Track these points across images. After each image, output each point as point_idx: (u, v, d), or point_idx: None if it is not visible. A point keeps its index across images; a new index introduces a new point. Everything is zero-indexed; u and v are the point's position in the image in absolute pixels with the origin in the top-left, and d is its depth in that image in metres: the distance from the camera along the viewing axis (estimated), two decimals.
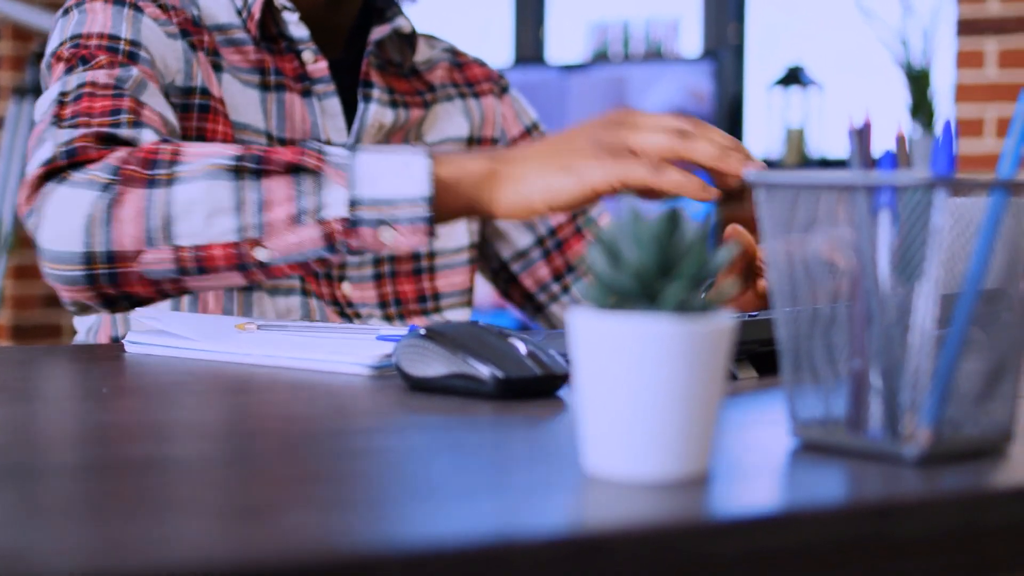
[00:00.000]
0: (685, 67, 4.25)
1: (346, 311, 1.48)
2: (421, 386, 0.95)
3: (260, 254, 1.17)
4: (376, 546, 0.54)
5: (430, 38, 1.65)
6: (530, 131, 1.67)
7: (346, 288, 1.50)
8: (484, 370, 0.92)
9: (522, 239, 1.65)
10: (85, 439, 0.77)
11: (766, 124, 4.34)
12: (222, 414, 0.88)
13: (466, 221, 1.59)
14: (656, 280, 0.66)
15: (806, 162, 4.20)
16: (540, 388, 0.94)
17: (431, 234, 1.18)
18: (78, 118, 1.29)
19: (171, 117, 1.35)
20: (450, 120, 1.60)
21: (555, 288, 1.66)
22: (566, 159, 1.15)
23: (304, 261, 1.18)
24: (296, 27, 1.47)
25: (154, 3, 1.42)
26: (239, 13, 1.47)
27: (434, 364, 0.94)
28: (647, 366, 0.65)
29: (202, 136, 1.40)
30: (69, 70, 1.35)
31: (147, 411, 0.87)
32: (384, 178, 1.17)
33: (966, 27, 3.86)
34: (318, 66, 1.48)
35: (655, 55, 4.48)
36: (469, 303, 1.62)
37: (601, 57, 4.57)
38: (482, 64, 1.68)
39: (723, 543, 0.60)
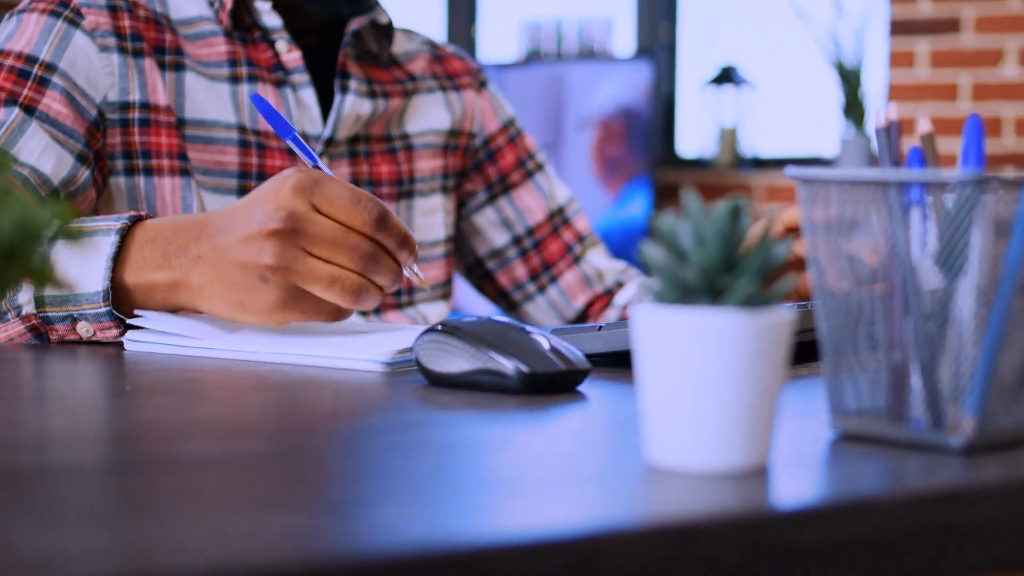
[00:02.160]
0: (619, 66, 4.28)
1: None
2: (442, 382, 0.96)
3: None
4: (484, 539, 0.55)
5: (408, 31, 1.66)
6: (507, 127, 1.68)
7: None
8: (509, 365, 0.93)
9: (499, 237, 1.66)
10: (134, 437, 0.76)
11: (699, 123, 4.38)
12: (258, 411, 0.88)
13: (442, 214, 1.60)
14: (721, 275, 0.68)
15: (739, 161, 4.24)
16: (563, 383, 0.95)
17: (122, 326, 1.16)
18: None
19: (47, 166, 1.34)
20: (431, 112, 1.61)
21: (531, 288, 1.66)
22: (242, 295, 1.10)
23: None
24: (269, 16, 1.47)
25: (103, 6, 1.41)
26: (211, 4, 1.46)
27: (457, 360, 0.95)
28: (715, 360, 0.66)
29: (147, 149, 1.40)
30: None
31: (181, 408, 0.86)
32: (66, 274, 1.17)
33: (898, 27, 3.92)
34: (292, 56, 1.48)
35: (588, 54, 4.51)
36: (445, 296, 1.63)
37: (534, 56, 4.59)
38: (461, 57, 1.69)
39: (805, 532, 0.61)
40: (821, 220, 0.79)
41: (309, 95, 1.48)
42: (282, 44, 1.48)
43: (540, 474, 0.69)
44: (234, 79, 1.45)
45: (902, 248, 0.77)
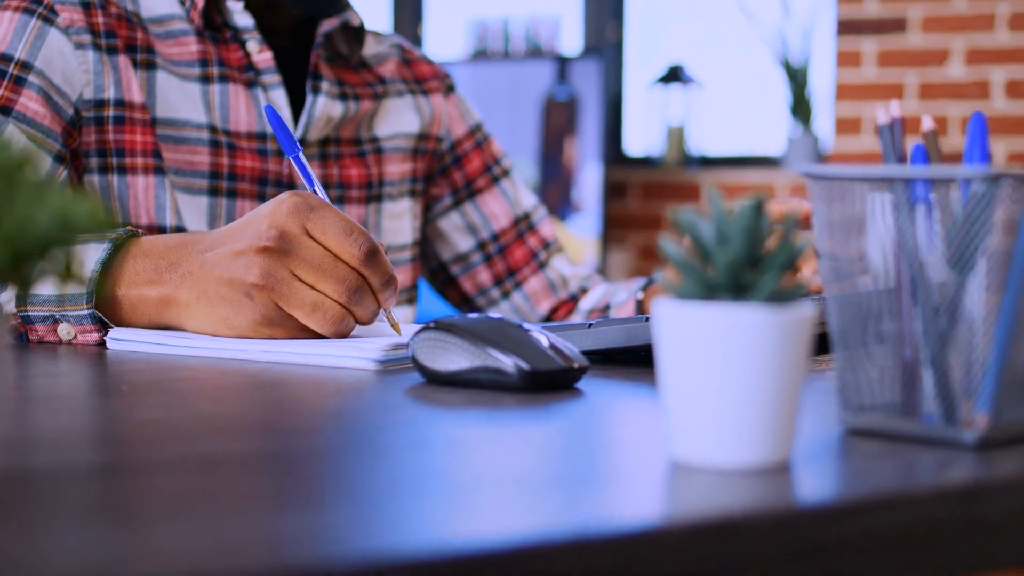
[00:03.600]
0: (566, 65, 4.28)
1: None
2: (440, 380, 0.95)
3: None
4: (521, 539, 0.54)
5: (378, 34, 1.65)
6: (474, 132, 1.68)
7: None
8: (508, 362, 0.93)
9: (463, 242, 1.66)
10: (138, 437, 0.75)
11: (647, 122, 4.39)
12: (262, 411, 0.87)
13: (410, 218, 1.59)
14: (745, 271, 0.68)
15: (686, 159, 4.25)
16: (563, 380, 0.94)
17: (104, 331, 1.15)
18: None
19: None
20: (401, 115, 1.60)
21: (495, 293, 1.66)
22: (227, 311, 1.09)
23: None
24: (241, 16, 1.46)
25: (76, 3, 1.39)
26: (181, 3, 1.45)
27: (455, 357, 0.94)
28: (741, 356, 0.66)
29: (121, 147, 1.38)
30: None
31: (181, 408, 0.85)
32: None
33: (845, 27, 3.95)
34: (263, 56, 1.47)
35: (536, 52, 4.50)
36: (411, 301, 1.62)
37: (481, 54, 4.58)
38: (429, 62, 1.68)
39: (839, 527, 0.61)
40: (832, 216, 0.79)
41: (280, 96, 1.47)
42: (253, 44, 1.46)
43: (565, 472, 0.69)
44: (205, 79, 1.43)
45: (910, 244, 0.77)
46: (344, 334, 1.10)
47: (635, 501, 0.63)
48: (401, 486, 0.63)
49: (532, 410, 0.87)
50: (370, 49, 1.61)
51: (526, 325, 0.98)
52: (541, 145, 4.22)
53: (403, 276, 1.60)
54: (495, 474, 0.67)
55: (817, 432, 0.79)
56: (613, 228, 4.22)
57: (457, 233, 1.66)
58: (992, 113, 3.79)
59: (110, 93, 1.38)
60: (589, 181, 4.11)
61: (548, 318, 1.66)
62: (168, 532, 0.53)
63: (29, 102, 1.33)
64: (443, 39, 4.78)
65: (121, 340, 1.13)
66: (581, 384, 0.97)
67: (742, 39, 4.40)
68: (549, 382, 0.93)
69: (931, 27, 3.85)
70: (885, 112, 0.84)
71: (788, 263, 0.68)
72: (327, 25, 1.51)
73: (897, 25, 3.89)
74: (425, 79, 1.66)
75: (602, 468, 0.70)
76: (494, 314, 1.00)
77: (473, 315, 0.98)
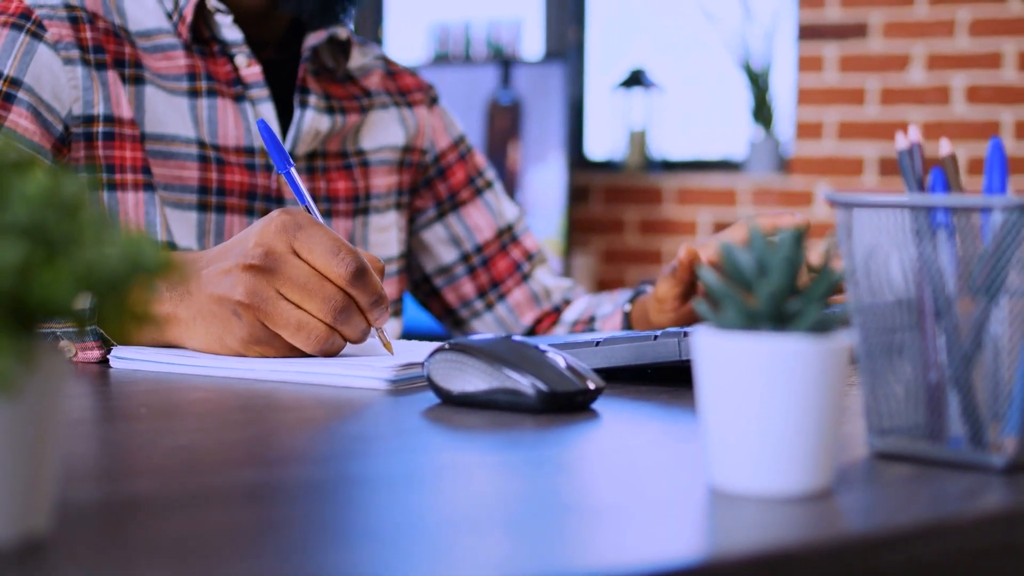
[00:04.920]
0: (528, 69, 4.28)
1: None
2: (456, 401, 0.95)
3: None
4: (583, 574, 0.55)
5: (362, 45, 1.65)
6: (457, 144, 1.68)
7: None
8: (525, 383, 0.93)
9: (447, 254, 1.66)
10: (180, 465, 0.75)
11: (609, 126, 4.40)
12: (286, 436, 0.87)
13: (396, 231, 1.59)
14: (787, 301, 0.68)
15: (648, 164, 4.27)
16: (581, 401, 0.95)
17: (105, 348, 1.15)
18: None
19: None
20: (386, 128, 1.60)
21: (478, 305, 1.66)
22: (220, 329, 1.10)
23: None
24: (229, 30, 1.45)
25: (64, 17, 1.38)
26: (169, 17, 1.44)
27: (472, 379, 0.95)
28: (786, 384, 0.67)
29: (111, 163, 1.38)
30: None
31: (210, 432, 0.85)
32: None
33: (806, 32, 3.98)
34: (252, 70, 1.46)
35: (497, 57, 4.50)
36: (397, 313, 1.62)
37: (442, 58, 4.58)
38: (413, 74, 1.69)
39: (890, 555, 0.62)
40: (854, 240, 0.80)
41: (268, 110, 1.47)
42: (241, 58, 1.46)
43: (602, 502, 0.69)
44: (193, 93, 1.43)
45: (933, 269, 0.78)
46: (331, 353, 1.10)
47: (679, 532, 0.63)
48: (448, 518, 0.64)
49: (553, 434, 0.87)
50: (355, 61, 1.61)
51: (542, 345, 0.98)
52: (485, 149, 4.22)
53: (390, 289, 1.59)
54: (530, 505, 0.68)
55: (843, 455, 0.80)
56: (576, 232, 4.23)
57: (440, 245, 1.66)
58: (952, 119, 3.83)
59: (99, 109, 1.37)
60: (551, 185, 4.12)
61: (531, 330, 1.67)
62: (234, 569, 0.53)
63: (19, 119, 1.33)
64: (404, 43, 4.77)
65: (125, 359, 1.13)
66: (596, 405, 0.97)
67: (704, 43, 4.42)
68: (567, 403, 0.94)
69: (892, 33, 3.88)
70: (904, 137, 0.85)
71: (829, 292, 0.69)
72: (314, 39, 1.50)
73: (858, 30, 3.92)
74: (409, 91, 1.66)
75: (638, 497, 0.70)
76: (503, 333, 1.00)
77: (489, 336, 0.98)
